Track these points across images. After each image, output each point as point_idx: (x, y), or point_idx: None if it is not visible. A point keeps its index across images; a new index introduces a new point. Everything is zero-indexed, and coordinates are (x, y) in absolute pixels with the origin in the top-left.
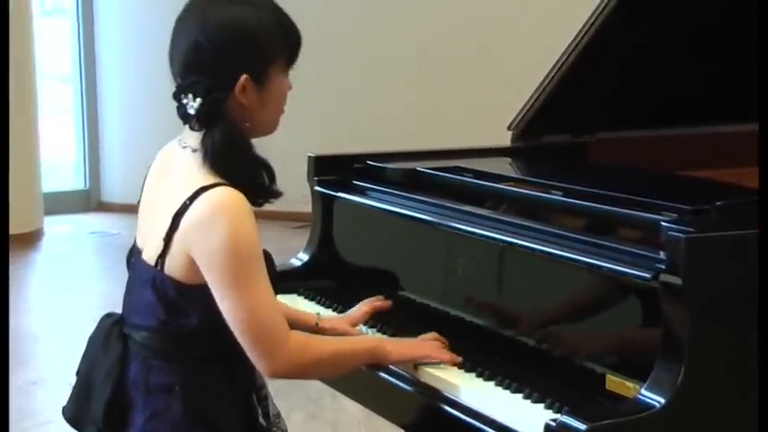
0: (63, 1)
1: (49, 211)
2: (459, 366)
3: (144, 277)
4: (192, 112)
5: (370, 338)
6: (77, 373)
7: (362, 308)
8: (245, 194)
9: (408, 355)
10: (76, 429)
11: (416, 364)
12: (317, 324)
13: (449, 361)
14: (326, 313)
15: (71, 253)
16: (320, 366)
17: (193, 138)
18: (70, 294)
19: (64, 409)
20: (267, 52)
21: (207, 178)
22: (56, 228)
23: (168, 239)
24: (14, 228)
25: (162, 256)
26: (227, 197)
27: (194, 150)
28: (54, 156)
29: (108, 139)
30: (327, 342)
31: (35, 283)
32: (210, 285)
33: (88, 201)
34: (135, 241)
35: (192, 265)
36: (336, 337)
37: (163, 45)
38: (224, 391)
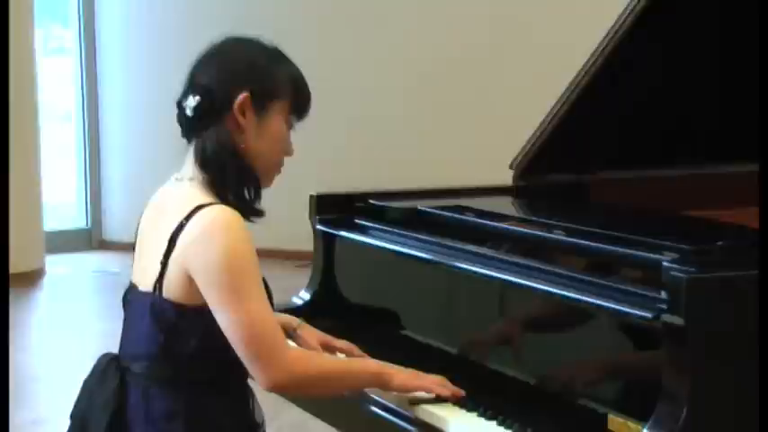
0: (65, 40)
1: (50, 250)
2: (461, 405)
3: (142, 307)
4: (189, 112)
5: (374, 362)
6: (71, 417)
7: (342, 342)
8: (235, 206)
9: (411, 384)
10: None
11: (414, 401)
12: (295, 330)
13: (451, 395)
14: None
15: (72, 292)
16: (320, 381)
17: (188, 170)
18: (71, 334)
19: None
20: (273, 87)
21: (202, 198)
22: (57, 267)
23: (165, 261)
24: (15, 267)
25: (160, 280)
26: (223, 214)
27: (191, 179)
28: (55, 194)
29: (109, 178)
30: (329, 358)
31: (36, 322)
32: (208, 300)
33: (89, 239)
34: (130, 281)
35: (190, 285)
36: (339, 357)
37: (165, 85)
38: (225, 417)
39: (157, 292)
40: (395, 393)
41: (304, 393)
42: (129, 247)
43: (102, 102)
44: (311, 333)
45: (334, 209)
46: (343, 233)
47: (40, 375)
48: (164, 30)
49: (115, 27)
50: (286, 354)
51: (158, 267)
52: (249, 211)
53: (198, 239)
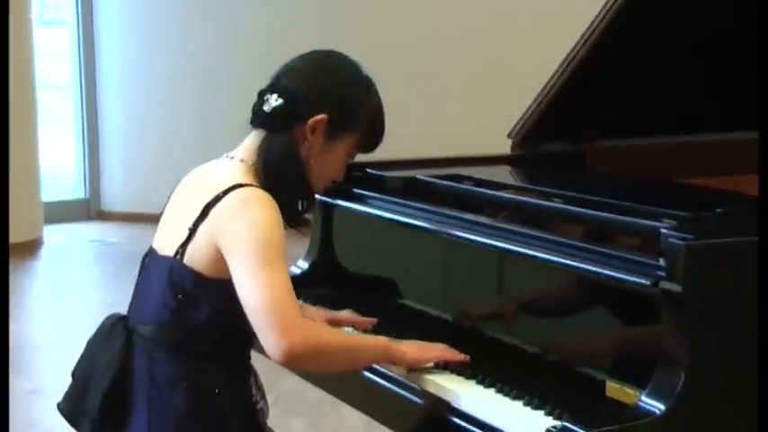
0: (62, 11)
1: (48, 220)
2: (460, 373)
3: (159, 270)
4: (267, 109)
5: (383, 338)
6: (73, 374)
7: (344, 314)
8: (282, 212)
9: (423, 356)
10: (71, 424)
11: (412, 370)
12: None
13: (461, 360)
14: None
15: (71, 262)
16: (332, 354)
17: (246, 149)
18: (70, 303)
19: (59, 404)
20: (354, 119)
21: (244, 178)
22: (55, 237)
23: (194, 229)
24: (14, 237)
25: (184, 246)
26: (259, 194)
27: (242, 160)
28: (54, 165)
29: (107, 149)
30: (341, 333)
31: (35, 292)
32: (233, 269)
33: (88, 210)
34: (151, 246)
35: (214, 257)
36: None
37: (163, 54)
38: (227, 389)
39: (179, 257)
40: None
41: (316, 366)
42: (127, 218)
43: (100, 72)
44: (314, 312)
45: None
46: (341, 202)
47: (39, 345)
48: (160, 0)
49: None
50: (301, 323)
51: (185, 233)
52: (295, 219)
53: (232, 212)
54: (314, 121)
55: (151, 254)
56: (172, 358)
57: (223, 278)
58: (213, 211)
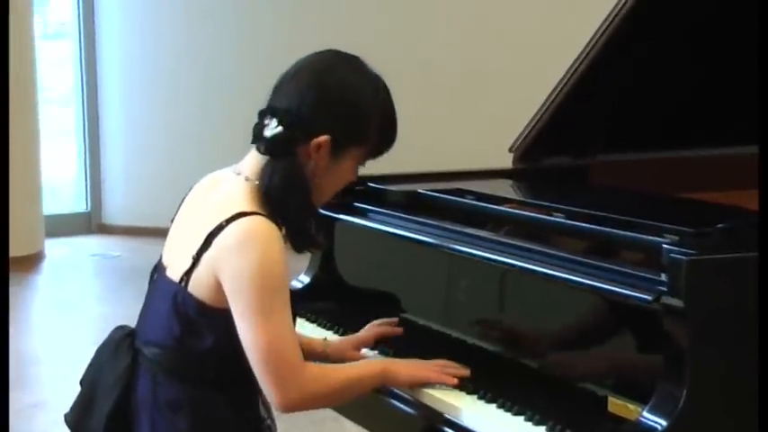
0: (65, 23)
1: (49, 234)
2: (461, 388)
3: (165, 293)
4: (267, 134)
5: (378, 362)
6: (81, 382)
7: (370, 330)
8: (289, 237)
9: (418, 376)
10: None
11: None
12: (324, 350)
13: (461, 375)
14: (328, 335)
15: (72, 275)
16: (332, 396)
17: (251, 167)
18: (71, 317)
19: (66, 415)
20: (360, 133)
21: (248, 205)
22: (56, 250)
23: (198, 257)
24: (15, 250)
25: (188, 274)
26: (263, 227)
27: (247, 179)
28: (55, 178)
29: (109, 162)
30: (338, 370)
31: (36, 305)
32: (234, 310)
33: (89, 223)
34: (160, 258)
35: (217, 288)
36: (344, 364)
37: (164, 67)
38: (230, 414)
39: (184, 284)
40: None
41: (318, 407)
42: (129, 231)
43: (102, 85)
44: (340, 346)
45: None
46: (342, 216)
47: (40, 359)
48: (162, 13)
49: (114, 10)
50: (300, 376)
51: (189, 261)
52: (303, 244)
53: (233, 248)
54: (316, 142)
55: (160, 270)
56: (175, 383)
57: (226, 308)
58: (215, 242)
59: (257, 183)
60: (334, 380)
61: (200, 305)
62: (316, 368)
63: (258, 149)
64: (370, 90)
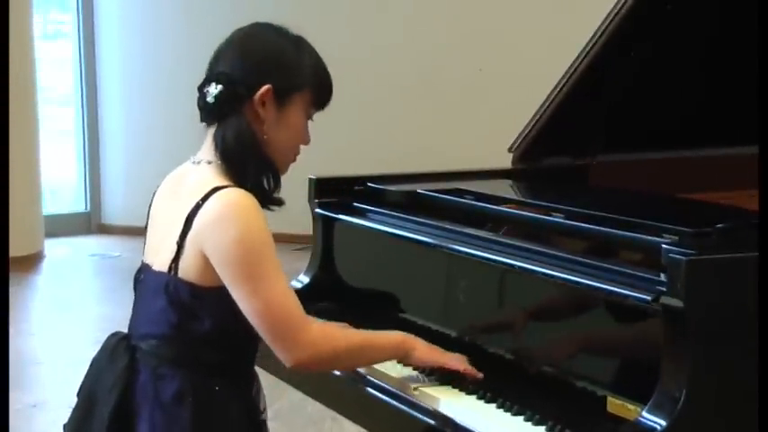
0: (64, 24)
1: (49, 234)
2: (461, 389)
3: (155, 286)
4: (210, 99)
5: (398, 333)
6: (78, 394)
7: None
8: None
9: (433, 356)
10: None
11: (416, 387)
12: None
13: (470, 373)
14: None
15: (72, 275)
16: (344, 356)
17: (207, 152)
18: (71, 317)
19: (65, 426)
20: (295, 79)
21: (219, 181)
22: (56, 250)
23: (182, 242)
24: (15, 250)
25: (176, 260)
26: (239, 196)
27: (209, 162)
28: (55, 178)
29: (109, 162)
30: (351, 332)
31: (35, 305)
32: (226, 282)
33: (89, 223)
34: (142, 261)
35: (207, 266)
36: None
37: (164, 67)
38: (232, 400)
39: (173, 273)
40: (394, 376)
41: (330, 368)
42: (129, 231)
43: (101, 85)
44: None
45: (333, 192)
46: (342, 217)
47: (40, 359)
48: (162, 13)
49: (113, 11)
50: (309, 331)
51: (174, 248)
52: (268, 199)
53: (214, 221)
54: (260, 94)
55: (144, 270)
56: (177, 372)
57: (219, 285)
58: (195, 222)
59: (218, 162)
60: (346, 340)
61: (192, 288)
62: (324, 326)
63: (206, 122)
64: (294, 43)
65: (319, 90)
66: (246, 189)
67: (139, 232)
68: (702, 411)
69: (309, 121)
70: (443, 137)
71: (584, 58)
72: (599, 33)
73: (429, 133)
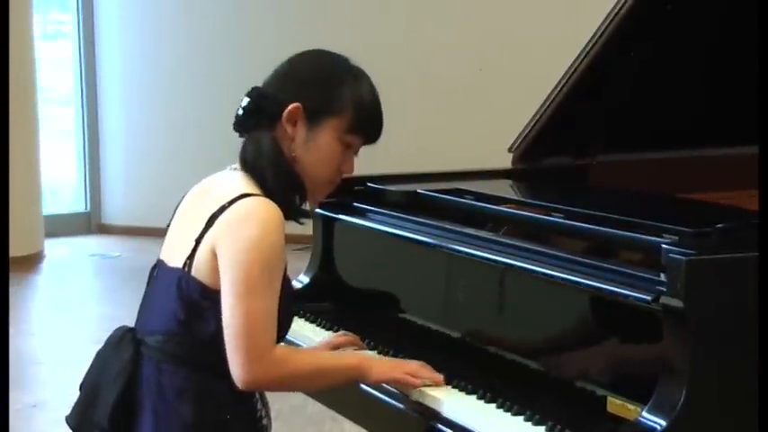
0: (64, 24)
1: (49, 234)
2: (461, 389)
3: (168, 281)
4: (239, 111)
5: (354, 355)
6: (81, 386)
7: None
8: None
9: (388, 374)
10: None
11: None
12: None
13: (431, 380)
14: (327, 335)
15: (71, 275)
16: (297, 381)
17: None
18: (71, 317)
19: (68, 417)
20: (331, 102)
21: (249, 188)
22: (56, 250)
23: (200, 239)
24: (15, 250)
25: (191, 257)
26: (266, 207)
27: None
28: (55, 178)
29: (109, 162)
30: (309, 356)
31: (35, 305)
32: (222, 284)
33: (89, 223)
34: (159, 258)
35: (216, 266)
36: (322, 352)
37: (163, 67)
38: (233, 402)
39: (187, 269)
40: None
41: (281, 390)
42: (128, 231)
43: (101, 85)
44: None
45: (332, 192)
46: (342, 217)
47: (40, 359)
48: (162, 13)
49: (113, 11)
50: (267, 358)
51: (192, 245)
52: (293, 212)
53: (233, 222)
54: (288, 111)
55: (160, 265)
56: (179, 369)
57: None
58: (218, 222)
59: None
60: (302, 365)
61: (203, 288)
62: (284, 351)
63: (239, 134)
64: (343, 70)
65: (360, 120)
66: (273, 200)
67: (139, 232)
68: (702, 411)
69: (352, 150)
70: (443, 137)
71: (584, 58)
72: (599, 33)
73: (429, 133)
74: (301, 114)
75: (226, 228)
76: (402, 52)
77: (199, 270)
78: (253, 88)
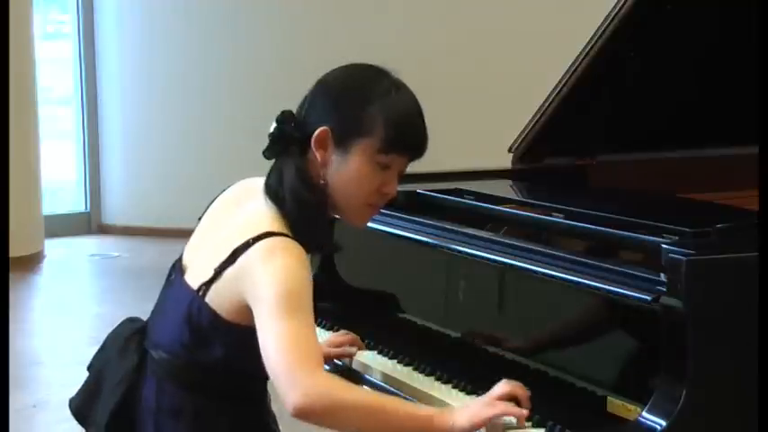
0: (64, 24)
1: (49, 234)
2: (461, 389)
3: (181, 298)
4: (269, 136)
5: (429, 409)
6: (89, 367)
7: (341, 339)
8: (298, 236)
9: (476, 422)
10: (81, 424)
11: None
12: None
13: (518, 416)
14: (328, 335)
15: (71, 276)
16: (350, 414)
17: None
18: (70, 317)
19: (71, 400)
20: (356, 125)
21: (275, 225)
22: (56, 250)
23: (220, 271)
24: (15, 250)
25: (208, 284)
26: (289, 246)
27: None
28: (55, 178)
29: (108, 162)
30: (367, 393)
31: (35, 305)
32: (257, 318)
33: (89, 223)
34: (181, 257)
35: (236, 304)
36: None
37: (163, 67)
38: (233, 427)
39: (201, 294)
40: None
41: (332, 423)
42: (128, 231)
43: (102, 85)
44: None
45: None
46: None
47: (40, 359)
48: (161, 13)
49: (113, 11)
50: (318, 376)
51: (211, 273)
52: (310, 246)
53: (258, 262)
54: (316, 136)
55: (178, 271)
56: (180, 390)
57: (241, 324)
58: (240, 260)
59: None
60: (356, 398)
61: (214, 317)
62: (336, 377)
63: (265, 155)
64: (372, 81)
65: (392, 135)
66: (296, 232)
67: (139, 232)
68: (702, 411)
69: (393, 170)
70: (443, 137)
71: (584, 58)
72: (599, 33)
73: (429, 133)
74: (330, 138)
75: (250, 269)
76: (402, 52)
77: (213, 299)
78: (282, 112)
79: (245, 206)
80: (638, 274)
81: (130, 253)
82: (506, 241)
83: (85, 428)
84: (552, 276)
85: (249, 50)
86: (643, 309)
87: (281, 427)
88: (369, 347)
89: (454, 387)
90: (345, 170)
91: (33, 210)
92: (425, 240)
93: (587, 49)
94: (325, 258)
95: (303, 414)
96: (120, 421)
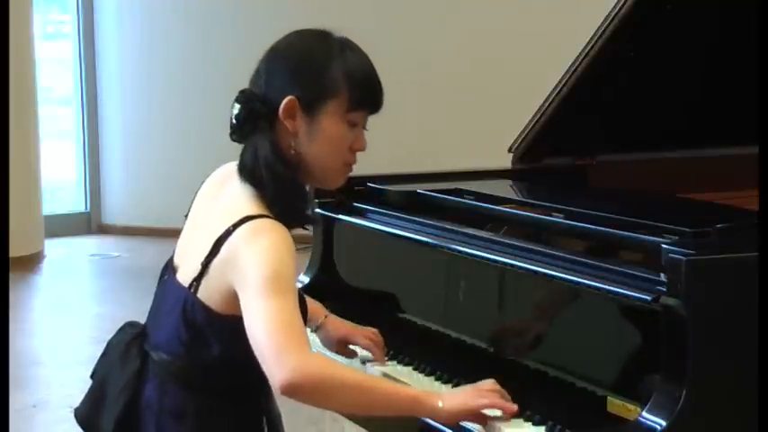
0: (64, 24)
1: (49, 234)
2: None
3: (174, 297)
4: (233, 121)
5: (413, 389)
6: (92, 375)
7: (365, 334)
8: (278, 213)
9: (465, 408)
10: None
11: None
12: (322, 322)
13: (507, 410)
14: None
15: (71, 276)
16: (339, 391)
17: None
18: (70, 317)
19: (76, 410)
20: (323, 85)
21: (253, 208)
22: (56, 250)
23: (207, 264)
24: (15, 250)
25: (197, 280)
26: (270, 226)
27: None
28: (55, 178)
29: (108, 162)
30: (356, 371)
31: (35, 305)
32: (241, 300)
33: (89, 223)
34: (172, 256)
35: (226, 293)
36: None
37: (163, 67)
38: (236, 427)
39: (193, 290)
40: None
41: (320, 400)
42: (128, 231)
43: (101, 85)
44: (336, 326)
45: (332, 192)
46: (342, 217)
47: (40, 359)
48: (161, 13)
49: (113, 11)
50: (306, 354)
51: (199, 268)
52: (292, 221)
53: (241, 247)
54: (284, 107)
55: (170, 271)
56: (181, 391)
57: (235, 315)
58: (224, 249)
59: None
60: (345, 375)
61: (207, 312)
62: (324, 357)
63: (233, 139)
64: (323, 44)
65: (357, 92)
66: (275, 212)
67: (139, 232)
68: (702, 411)
69: (359, 127)
70: (443, 137)
71: (584, 58)
72: (599, 33)
73: (429, 133)
74: (298, 106)
75: (234, 255)
76: (402, 52)
77: (205, 294)
78: (240, 92)
79: (222, 194)
80: (638, 274)
81: (130, 253)
82: (506, 241)
83: None
84: (552, 276)
85: (249, 50)
86: (643, 309)
87: (284, 428)
88: (368, 347)
89: (454, 387)
90: (318, 135)
91: (33, 210)
92: (425, 240)
93: (587, 49)
94: (325, 258)
95: (291, 391)
96: (125, 428)
